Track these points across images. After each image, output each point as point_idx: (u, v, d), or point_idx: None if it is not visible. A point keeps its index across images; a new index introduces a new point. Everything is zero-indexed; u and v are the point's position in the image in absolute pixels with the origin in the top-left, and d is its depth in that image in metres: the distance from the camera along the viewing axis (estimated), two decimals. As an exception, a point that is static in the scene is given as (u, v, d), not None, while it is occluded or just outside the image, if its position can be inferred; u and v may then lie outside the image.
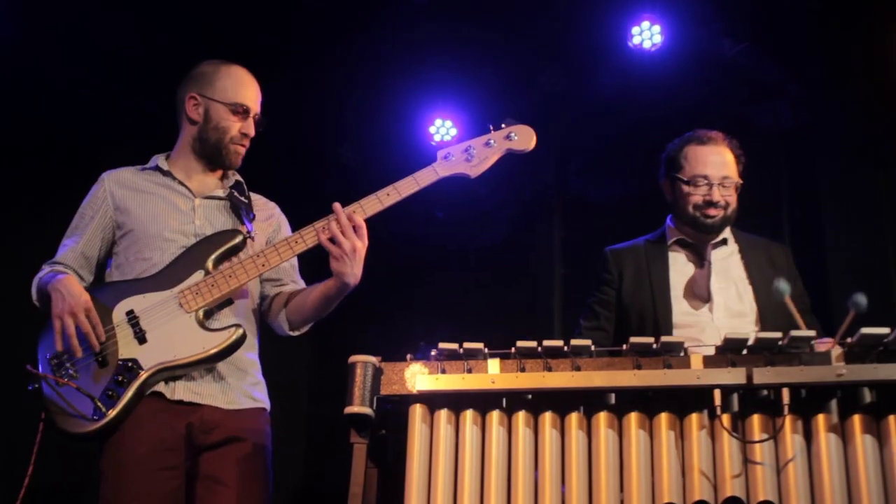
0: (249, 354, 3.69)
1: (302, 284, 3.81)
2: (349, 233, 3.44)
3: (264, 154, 3.97)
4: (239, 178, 3.86)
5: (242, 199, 3.77)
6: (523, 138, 3.60)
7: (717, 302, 3.96)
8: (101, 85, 6.23)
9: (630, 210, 6.62)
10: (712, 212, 3.99)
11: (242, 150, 3.77)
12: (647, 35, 6.28)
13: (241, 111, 3.72)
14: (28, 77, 5.88)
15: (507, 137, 3.59)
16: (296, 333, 3.76)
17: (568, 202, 7.22)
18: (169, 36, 6.16)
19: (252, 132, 3.76)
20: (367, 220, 3.52)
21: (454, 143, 3.64)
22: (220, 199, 3.76)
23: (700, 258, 4.07)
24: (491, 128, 3.60)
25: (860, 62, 5.96)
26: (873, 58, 5.83)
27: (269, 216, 3.86)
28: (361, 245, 3.46)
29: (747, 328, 3.87)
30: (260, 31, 6.29)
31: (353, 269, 3.46)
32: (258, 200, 3.88)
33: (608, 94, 6.61)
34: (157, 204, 3.69)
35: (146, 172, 3.79)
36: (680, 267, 4.09)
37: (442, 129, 6.93)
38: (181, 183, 3.74)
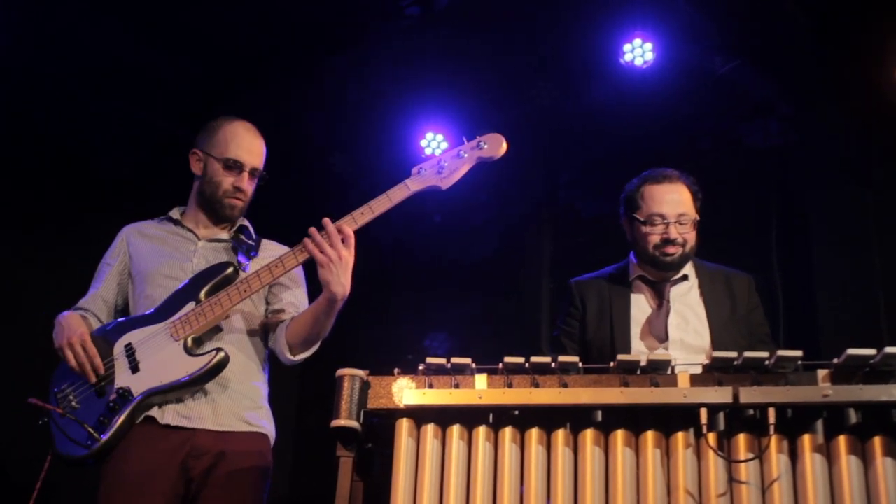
0: (252, 381, 3.80)
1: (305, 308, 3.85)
2: (336, 241, 3.50)
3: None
4: (245, 222, 4.03)
5: (248, 241, 3.94)
6: (493, 146, 3.64)
7: (674, 340, 3.97)
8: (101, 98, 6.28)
9: (618, 225, 6.64)
10: (670, 250, 4.02)
11: (238, 203, 3.90)
12: (638, 52, 6.30)
13: (233, 166, 3.86)
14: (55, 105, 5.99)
15: (477, 146, 3.65)
16: (296, 358, 3.78)
17: (558, 216, 7.22)
18: (164, 51, 6.20)
19: (245, 186, 3.88)
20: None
21: (429, 156, 3.68)
22: (222, 241, 3.93)
23: (660, 297, 4.11)
24: (465, 139, 3.66)
25: (850, 81, 5.99)
26: (863, 76, 5.85)
27: (273, 256, 3.89)
28: (347, 254, 3.52)
29: None
30: (254, 44, 6.30)
31: (339, 279, 3.51)
32: (268, 244, 4.01)
33: (599, 110, 6.63)
34: (162, 248, 3.90)
35: (162, 223, 4.01)
36: (641, 305, 4.13)
37: (433, 142, 6.92)
38: (189, 230, 3.94)
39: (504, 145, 3.64)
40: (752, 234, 6.39)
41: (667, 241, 4.01)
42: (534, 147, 6.57)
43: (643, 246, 4.08)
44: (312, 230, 3.54)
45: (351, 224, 3.56)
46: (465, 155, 3.63)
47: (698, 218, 4.08)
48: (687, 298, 4.11)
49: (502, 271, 7.28)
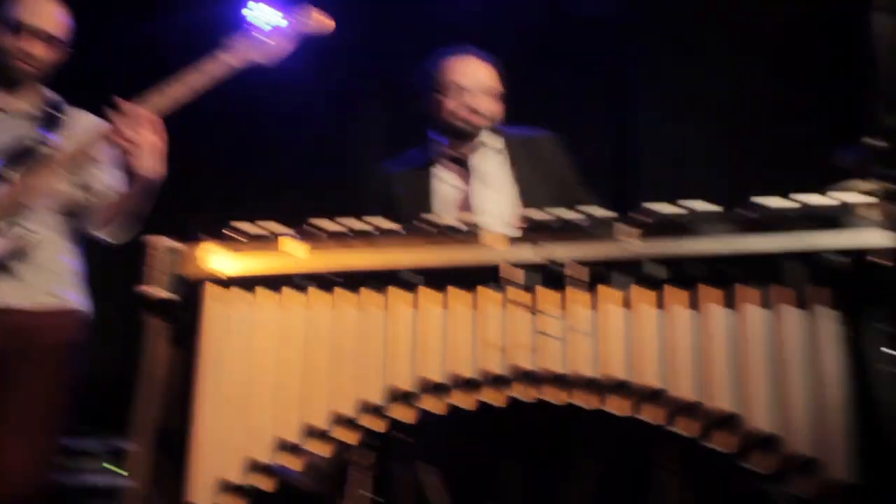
0: (60, 256, 3.75)
1: (119, 190, 3.79)
2: (137, 125, 3.45)
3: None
4: (57, 98, 3.91)
5: (56, 113, 3.83)
6: (316, 20, 3.64)
7: (482, 211, 3.86)
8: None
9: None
10: (473, 118, 3.92)
11: (23, 66, 3.77)
12: None
13: (17, 28, 3.75)
14: None
15: (301, 20, 3.62)
16: (117, 241, 3.82)
17: (390, 86, 7.10)
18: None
19: (29, 48, 3.75)
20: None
21: (249, 29, 3.65)
22: (28, 114, 3.81)
23: (464, 169, 3.99)
24: (284, 14, 3.64)
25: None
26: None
27: (85, 130, 3.81)
28: (155, 138, 3.48)
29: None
30: None
31: (148, 163, 3.49)
32: (77, 114, 3.90)
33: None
34: None
35: None
36: (446, 180, 4.00)
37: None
38: None
39: (327, 21, 3.61)
40: (582, 110, 6.42)
41: (471, 111, 3.92)
42: (357, 14, 6.41)
43: (444, 117, 3.97)
44: (113, 115, 3.47)
45: (164, 101, 3.49)
46: (289, 27, 3.60)
47: (503, 90, 4.00)
48: (493, 168, 4.01)
49: (337, 147, 7.18)
